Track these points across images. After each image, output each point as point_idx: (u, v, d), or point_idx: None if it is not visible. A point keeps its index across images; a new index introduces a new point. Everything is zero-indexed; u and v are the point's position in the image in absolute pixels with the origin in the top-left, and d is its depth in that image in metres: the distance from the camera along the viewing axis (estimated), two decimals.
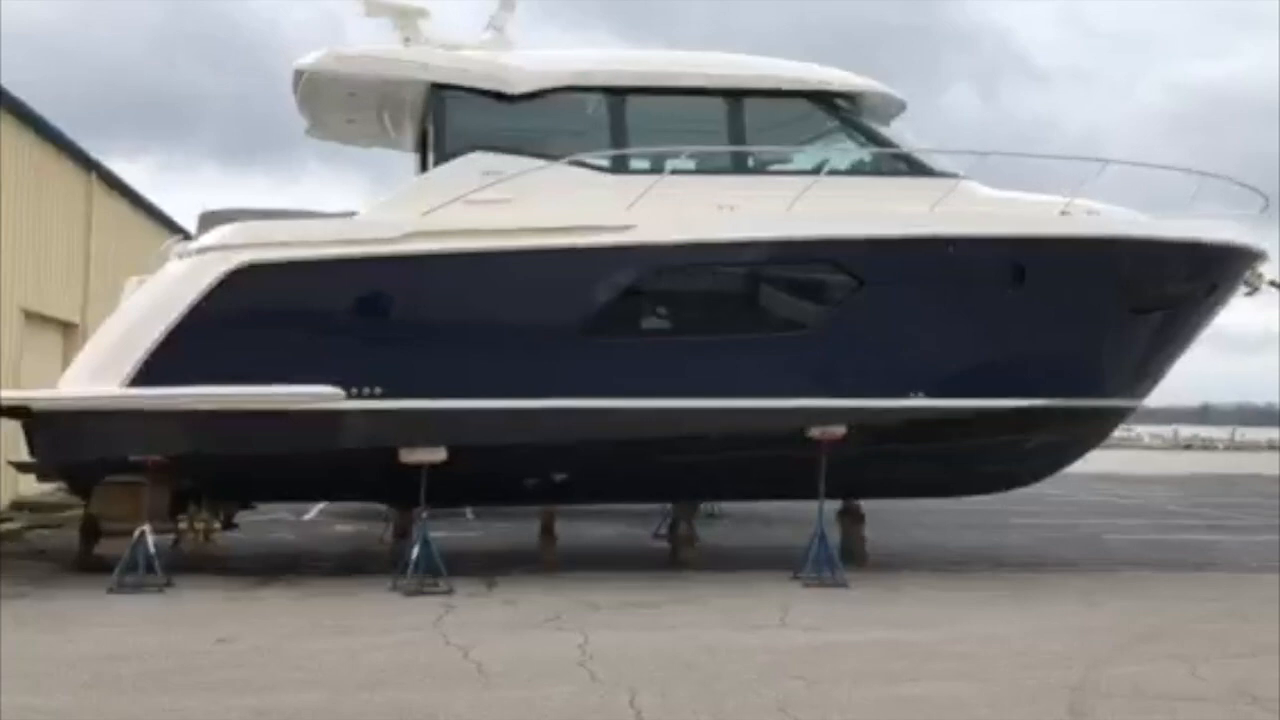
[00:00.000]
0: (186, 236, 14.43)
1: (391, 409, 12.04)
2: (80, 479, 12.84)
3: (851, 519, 14.17)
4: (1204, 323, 14.42)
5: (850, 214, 12.70)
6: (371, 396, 12.07)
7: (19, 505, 17.46)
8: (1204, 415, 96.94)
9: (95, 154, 21.30)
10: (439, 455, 11.55)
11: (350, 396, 12.03)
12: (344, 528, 17.24)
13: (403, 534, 13.55)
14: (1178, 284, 13.64)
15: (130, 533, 11.48)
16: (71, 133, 19.83)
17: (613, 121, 13.12)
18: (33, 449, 12.85)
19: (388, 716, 6.82)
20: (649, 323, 13.05)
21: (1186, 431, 72.25)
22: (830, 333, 12.75)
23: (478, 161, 12.69)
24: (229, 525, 13.91)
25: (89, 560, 12.35)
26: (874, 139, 13.60)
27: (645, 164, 13.35)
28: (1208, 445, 65.49)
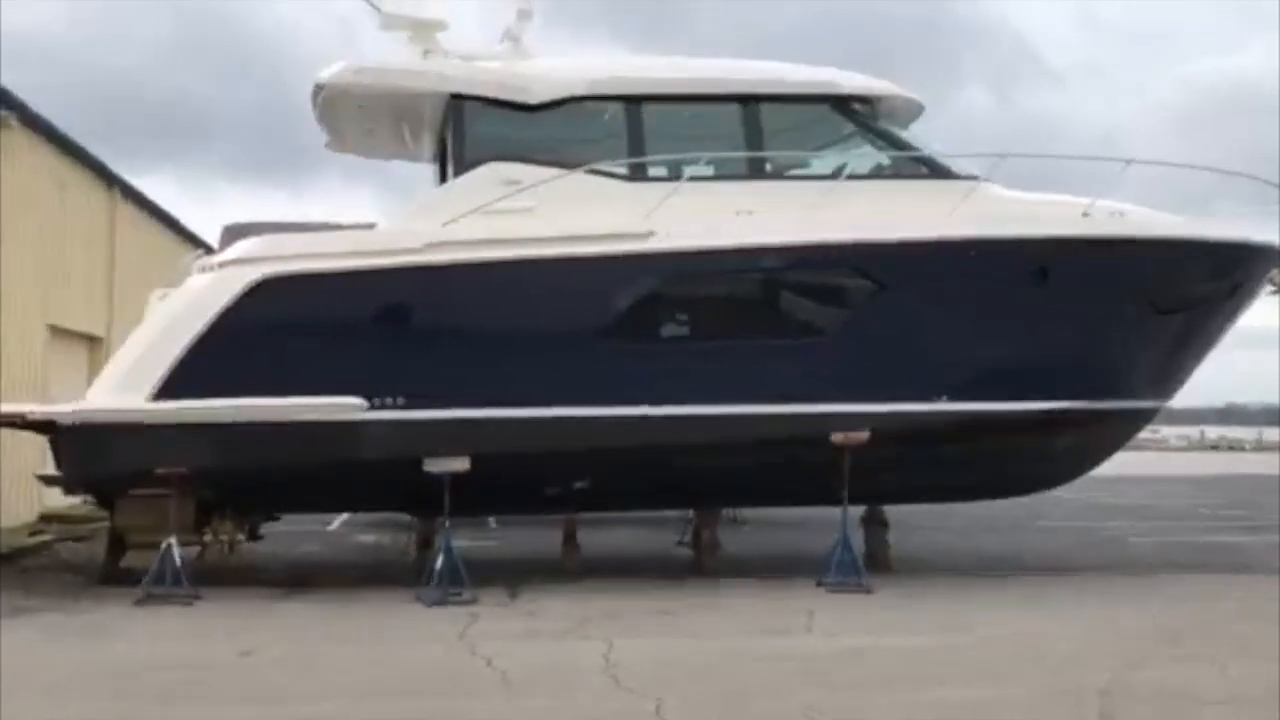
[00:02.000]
0: (209, 250, 14.54)
1: (414, 419, 12.08)
2: (106, 492, 12.93)
3: (876, 524, 14.11)
4: (1229, 323, 14.30)
5: (870, 218, 12.67)
6: (394, 407, 12.12)
7: (47, 518, 17.59)
8: (1230, 415, 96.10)
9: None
10: (462, 465, 11.58)
11: (373, 407, 12.08)
12: (367, 538, 17.29)
13: (426, 544, 13.58)
14: (1202, 284, 13.55)
15: (156, 545, 11.56)
16: (85, 146, 19.97)
17: (630, 129, 13.14)
18: (59, 462, 12.95)
19: None
20: (669, 330, 13.06)
21: (1213, 432, 71.61)
22: (852, 337, 12.72)
23: (497, 172, 12.73)
24: (254, 536, 13.98)
25: (116, 572, 12.43)
26: (892, 142, 13.58)
27: (663, 171, 13.37)
28: (1235, 446, 64.86)
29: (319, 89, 13.24)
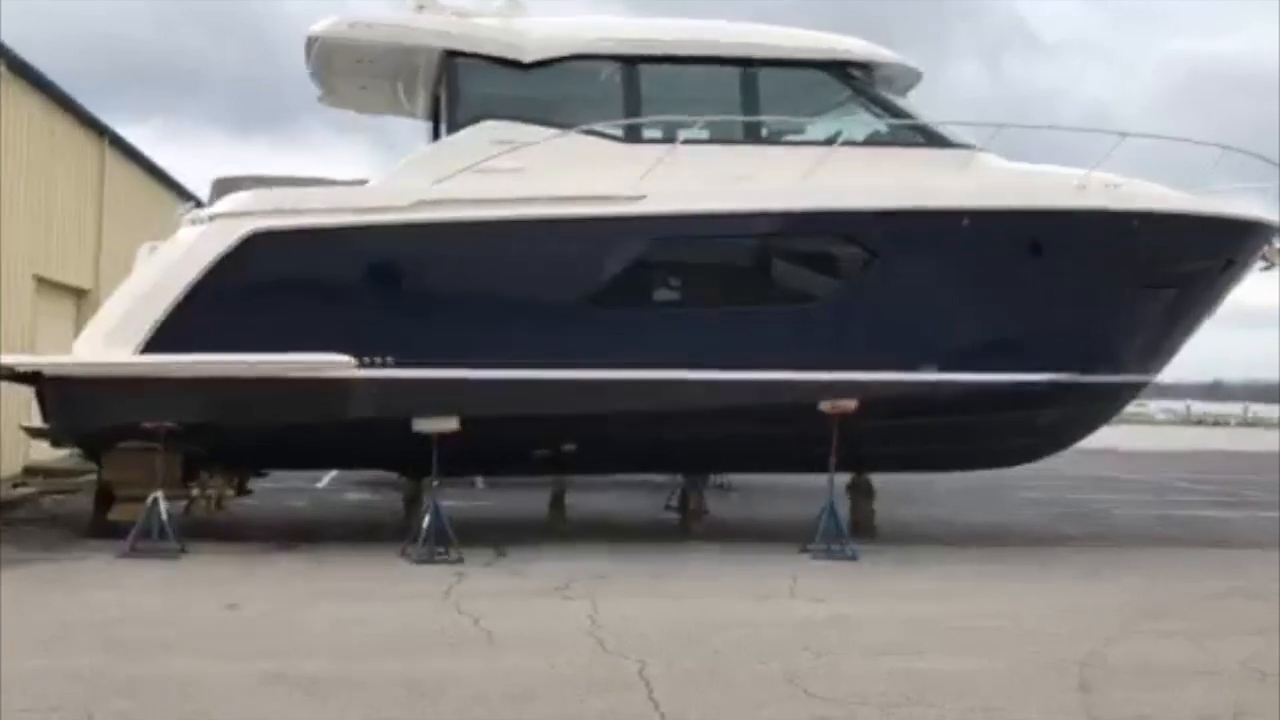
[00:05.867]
0: (199, 203, 14.43)
1: (402, 378, 12.05)
2: (93, 445, 12.90)
3: (861, 492, 14.16)
4: (1220, 298, 14.32)
5: (864, 185, 12.63)
6: (383, 365, 12.09)
7: (33, 471, 17.55)
8: (1216, 391, 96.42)
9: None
10: (450, 424, 11.56)
11: (361, 365, 12.04)
12: (355, 496, 17.31)
13: (414, 503, 13.60)
14: (1195, 259, 13.55)
15: (143, 499, 11.55)
16: (74, 96, 19.74)
17: (626, 90, 13.03)
18: (45, 415, 12.92)
19: (397, 683, 6.86)
20: (660, 294, 13.02)
21: (1198, 407, 71.91)
22: (842, 305, 12.71)
23: (490, 130, 12.63)
24: (242, 492, 13.98)
25: (103, 526, 12.42)
26: (889, 110, 13.49)
27: (658, 133, 13.28)
28: (1220, 421, 65.22)
29: (312, 42, 13.09)
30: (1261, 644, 8.25)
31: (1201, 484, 23.47)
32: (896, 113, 13.50)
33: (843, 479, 13.55)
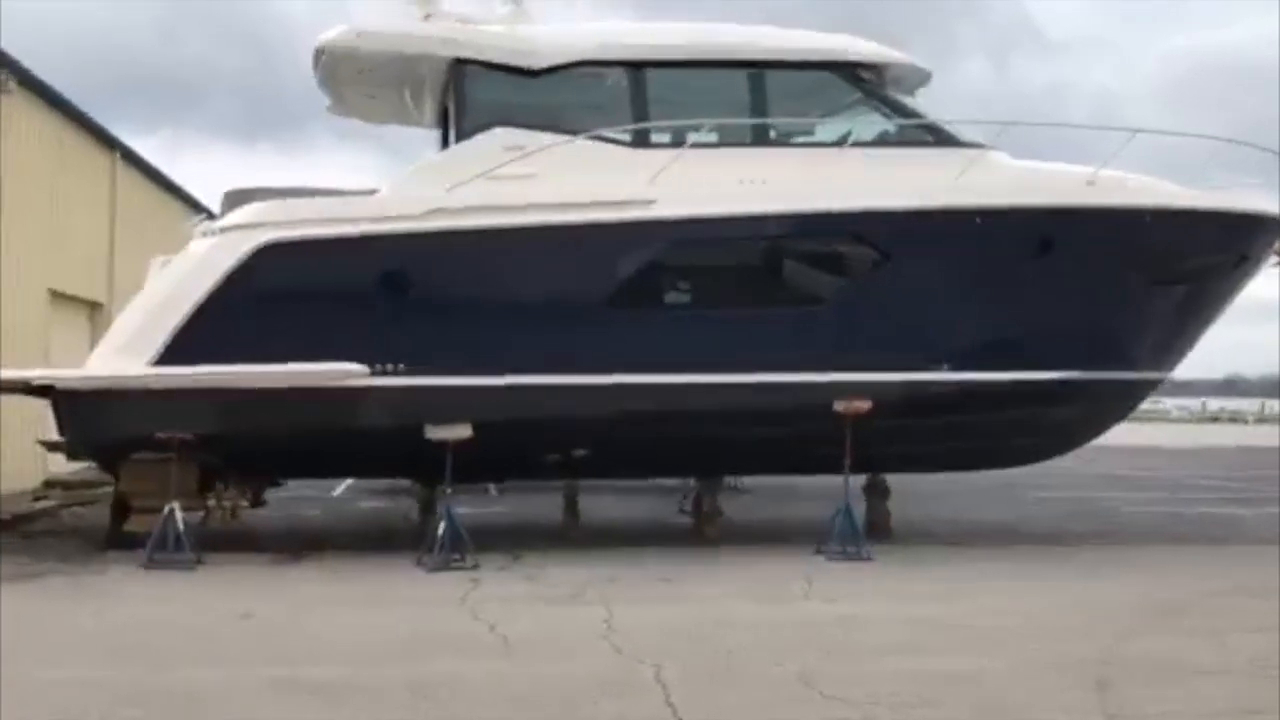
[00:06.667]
0: (210, 215, 14.50)
1: (415, 386, 12.08)
2: (108, 457, 12.96)
3: (876, 493, 14.14)
4: (1233, 294, 14.25)
5: (874, 186, 12.61)
6: (395, 374, 12.12)
7: (51, 483, 17.64)
8: (1231, 387, 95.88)
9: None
10: (464, 432, 11.59)
11: (374, 374, 12.08)
12: (370, 504, 17.35)
13: (428, 510, 13.63)
14: (1208, 255, 13.49)
15: (159, 510, 11.60)
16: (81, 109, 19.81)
17: (634, 95, 13.05)
18: (61, 428, 12.98)
19: (411, 689, 6.87)
20: (672, 297, 13.03)
21: (1214, 404, 71.54)
22: (855, 306, 12.70)
23: (499, 137, 12.67)
24: (257, 502, 14.04)
25: (120, 537, 12.48)
26: (898, 110, 13.48)
27: (667, 138, 13.30)
28: (1236, 418, 64.87)
29: (321, 52, 13.14)
30: (1274, 641, 8.20)
31: (1216, 481, 23.35)
32: (905, 113, 13.48)
33: (858, 479, 13.52)
